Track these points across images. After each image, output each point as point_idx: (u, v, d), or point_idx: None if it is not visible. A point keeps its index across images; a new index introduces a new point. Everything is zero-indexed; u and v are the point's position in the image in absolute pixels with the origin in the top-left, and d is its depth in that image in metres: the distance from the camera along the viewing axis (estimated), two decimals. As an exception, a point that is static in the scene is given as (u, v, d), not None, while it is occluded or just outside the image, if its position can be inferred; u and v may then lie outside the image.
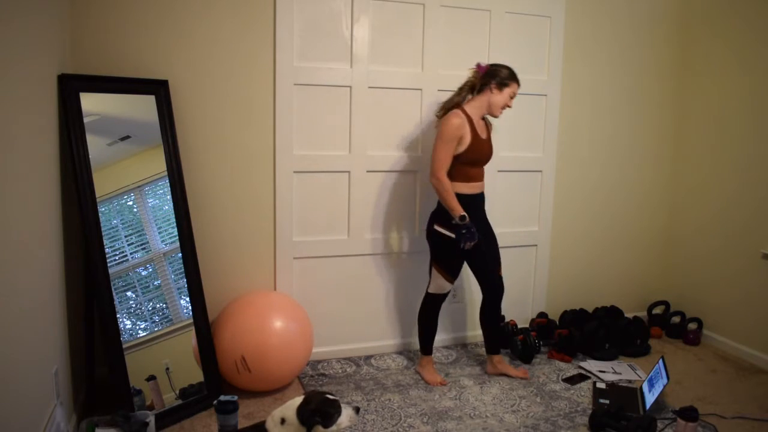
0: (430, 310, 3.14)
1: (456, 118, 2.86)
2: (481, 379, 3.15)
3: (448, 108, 2.95)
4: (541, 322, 3.62)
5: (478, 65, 2.96)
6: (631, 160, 3.91)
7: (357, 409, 2.22)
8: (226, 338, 2.81)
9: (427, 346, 3.18)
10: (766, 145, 3.41)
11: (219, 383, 2.82)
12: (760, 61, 3.43)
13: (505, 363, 3.24)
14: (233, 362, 2.78)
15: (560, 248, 3.81)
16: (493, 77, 2.90)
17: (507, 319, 3.62)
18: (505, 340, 3.47)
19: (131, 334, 2.60)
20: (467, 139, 2.87)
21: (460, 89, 2.98)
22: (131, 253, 2.63)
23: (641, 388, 3.00)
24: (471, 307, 3.65)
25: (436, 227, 2.98)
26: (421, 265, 3.50)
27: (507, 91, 2.93)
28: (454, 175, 2.91)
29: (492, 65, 2.96)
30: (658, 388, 2.81)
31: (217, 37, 2.94)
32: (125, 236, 2.63)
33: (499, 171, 3.56)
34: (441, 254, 3.03)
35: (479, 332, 3.68)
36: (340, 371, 3.22)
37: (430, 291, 3.10)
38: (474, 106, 2.94)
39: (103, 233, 2.49)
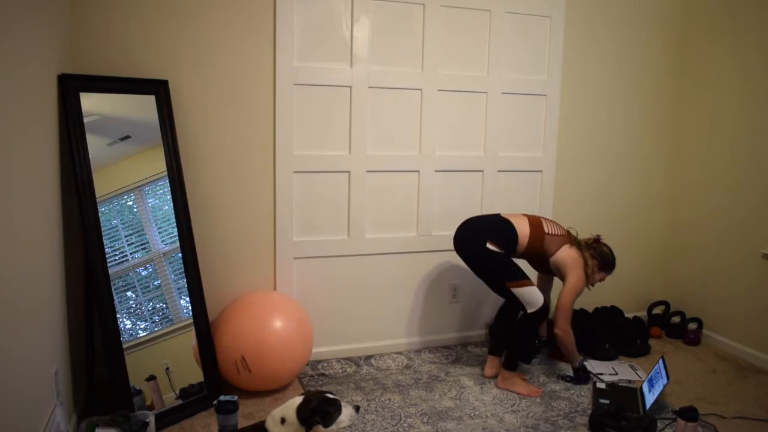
0: (532, 331, 3.03)
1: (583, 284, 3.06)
2: (481, 379, 3.14)
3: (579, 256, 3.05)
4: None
5: (599, 237, 3.16)
6: (630, 160, 3.91)
7: (357, 408, 2.22)
8: (226, 338, 2.81)
9: (517, 363, 3.06)
10: (765, 146, 3.41)
11: (219, 383, 2.81)
12: (758, 62, 3.43)
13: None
14: (233, 362, 2.78)
15: (560, 248, 3.81)
16: (600, 258, 3.10)
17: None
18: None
19: (131, 334, 2.60)
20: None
21: (580, 242, 3.12)
22: (131, 253, 2.63)
23: (641, 388, 3.00)
24: (471, 307, 3.65)
25: (489, 246, 2.92)
26: (420, 265, 3.50)
27: (602, 274, 3.14)
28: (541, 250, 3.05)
29: (604, 250, 3.12)
30: (658, 388, 2.81)
31: (217, 37, 2.94)
32: (125, 236, 2.63)
33: (499, 171, 3.56)
34: (507, 268, 2.94)
35: (479, 332, 3.69)
36: (340, 371, 3.22)
37: (531, 312, 2.93)
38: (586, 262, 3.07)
39: (103, 233, 2.49)
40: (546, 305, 2.95)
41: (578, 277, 3.01)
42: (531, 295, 2.91)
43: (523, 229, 3.01)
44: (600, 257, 3.10)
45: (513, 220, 3.03)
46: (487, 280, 3.04)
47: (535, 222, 3.05)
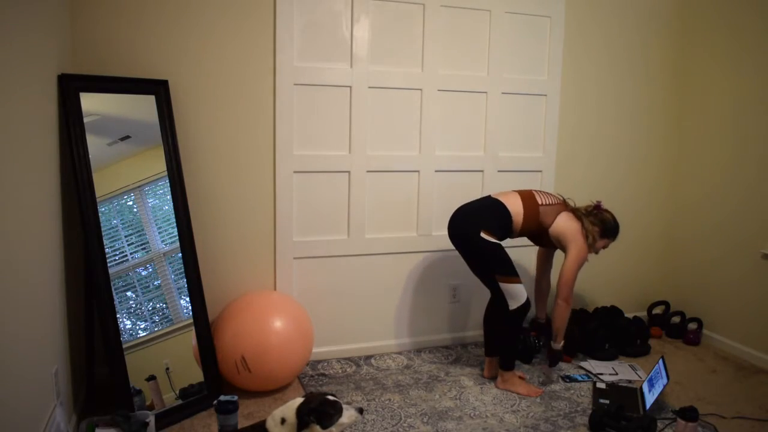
0: (517, 328, 3.01)
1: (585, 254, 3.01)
2: (481, 379, 3.14)
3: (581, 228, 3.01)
4: (540, 320, 3.61)
5: (599, 203, 3.09)
6: (631, 159, 3.91)
7: (361, 410, 2.21)
8: (226, 338, 2.81)
9: (513, 362, 3.05)
10: (764, 145, 3.41)
11: (219, 383, 2.82)
12: (754, 61, 3.43)
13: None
14: (233, 362, 2.78)
15: (560, 248, 3.80)
16: (602, 225, 3.03)
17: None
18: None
19: (131, 334, 2.60)
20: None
21: (578, 210, 3.06)
22: (131, 253, 2.63)
23: (641, 388, 3.00)
24: (471, 307, 3.65)
25: (483, 235, 2.87)
26: (420, 265, 3.50)
27: (605, 240, 3.08)
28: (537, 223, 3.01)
29: (606, 216, 3.05)
30: (658, 388, 2.81)
31: (217, 37, 2.94)
32: (125, 236, 2.63)
33: (499, 171, 3.56)
34: (499, 261, 2.90)
35: (479, 332, 3.69)
36: (340, 371, 3.22)
37: (512, 308, 2.91)
38: (586, 230, 3.02)
39: (103, 233, 2.49)
40: (528, 302, 2.93)
41: (579, 248, 2.96)
42: (516, 292, 2.90)
43: (516, 208, 2.96)
44: (601, 224, 3.03)
45: (504, 200, 2.99)
46: (477, 269, 3.04)
47: (526, 195, 3.01)
